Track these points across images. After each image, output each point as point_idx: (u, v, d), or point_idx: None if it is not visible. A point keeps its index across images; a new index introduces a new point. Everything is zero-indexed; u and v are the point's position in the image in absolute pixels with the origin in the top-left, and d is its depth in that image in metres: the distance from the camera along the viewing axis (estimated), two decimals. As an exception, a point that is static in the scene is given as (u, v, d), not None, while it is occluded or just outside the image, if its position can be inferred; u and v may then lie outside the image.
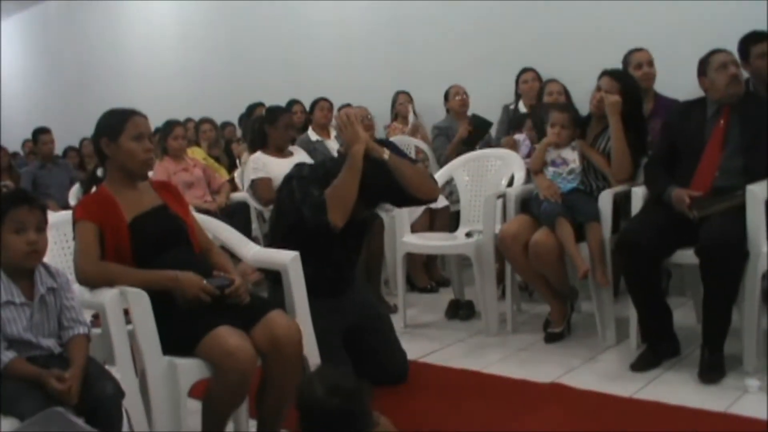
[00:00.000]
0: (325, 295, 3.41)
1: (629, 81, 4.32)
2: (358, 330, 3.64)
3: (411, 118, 6.95)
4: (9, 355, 2.30)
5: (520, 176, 4.84)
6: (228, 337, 2.65)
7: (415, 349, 4.07)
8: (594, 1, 6.20)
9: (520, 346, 4.25)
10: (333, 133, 6.83)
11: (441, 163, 5.96)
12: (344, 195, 3.43)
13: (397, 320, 4.26)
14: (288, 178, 3.62)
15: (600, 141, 4.30)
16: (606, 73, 4.29)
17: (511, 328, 4.52)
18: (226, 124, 8.61)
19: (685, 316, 4.29)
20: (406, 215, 4.87)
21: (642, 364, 3.71)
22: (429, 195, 3.74)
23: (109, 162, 2.98)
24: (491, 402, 3.45)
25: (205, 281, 2.77)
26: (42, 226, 2.46)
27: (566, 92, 5.30)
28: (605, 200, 4.07)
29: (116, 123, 2.92)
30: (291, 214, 3.49)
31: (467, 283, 5.07)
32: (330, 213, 3.39)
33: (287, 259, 3.11)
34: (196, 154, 6.94)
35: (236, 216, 5.63)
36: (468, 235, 4.77)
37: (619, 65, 4.50)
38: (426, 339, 4.46)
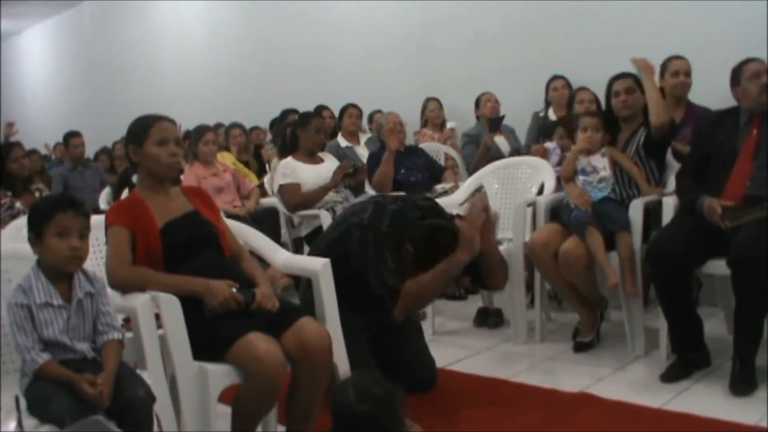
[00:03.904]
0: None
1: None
2: (387, 334, 3.61)
3: (451, 123, 7.01)
4: (44, 357, 2.33)
5: (550, 184, 4.84)
6: (258, 342, 2.66)
7: (443, 356, 4.06)
8: (626, 9, 6.18)
9: (548, 355, 4.25)
10: (363, 139, 6.86)
11: (470, 171, 5.97)
12: (422, 300, 3.40)
13: (425, 327, 4.27)
14: (366, 226, 3.42)
15: (630, 146, 4.30)
16: (619, 76, 4.34)
17: (539, 337, 4.52)
18: (255, 129, 8.65)
19: (716, 326, 4.26)
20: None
21: (672, 375, 3.69)
22: (499, 287, 3.82)
23: (139, 168, 3.03)
24: (519, 411, 3.44)
25: (234, 290, 2.78)
26: (85, 232, 2.48)
27: (597, 100, 5.29)
28: (636, 209, 4.06)
29: (141, 129, 2.96)
30: (353, 262, 3.35)
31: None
32: (398, 306, 3.31)
33: (318, 265, 3.11)
34: (226, 159, 6.96)
35: (265, 221, 5.65)
36: (497, 242, 4.74)
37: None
38: (454, 346, 4.46)
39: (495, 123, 6.14)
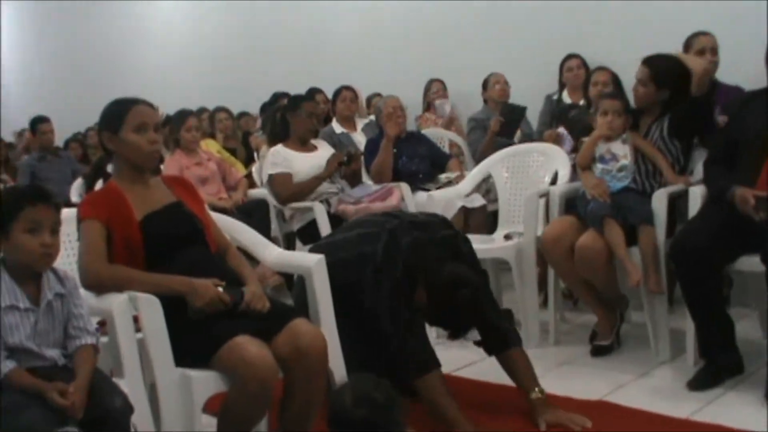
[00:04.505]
0: None
1: (662, 65, 4.20)
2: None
3: (446, 108, 6.96)
4: (9, 365, 2.29)
5: (564, 173, 4.84)
6: (247, 346, 2.65)
7: (448, 361, 3.93)
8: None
9: (563, 360, 4.24)
10: (360, 125, 6.83)
11: (477, 159, 5.95)
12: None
13: (429, 330, 4.21)
14: (379, 265, 3.22)
15: (653, 132, 4.26)
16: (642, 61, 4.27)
17: (553, 340, 4.50)
18: (243, 114, 8.61)
19: (749, 329, 4.24)
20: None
21: (700, 382, 3.66)
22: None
23: (115, 156, 3.01)
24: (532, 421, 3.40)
25: (221, 289, 2.77)
26: (57, 227, 2.45)
27: (616, 81, 5.26)
28: (660, 200, 4.02)
29: (116, 115, 2.95)
30: (365, 298, 3.22)
31: (505, 289, 5.07)
32: (409, 379, 3.19)
33: (312, 262, 3.09)
34: (211, 146, 6.99)
35: (254, 215, 5.65)
36: (507, 237, 4.76)
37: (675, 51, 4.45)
38: (460, 350, 4.36)
39: (515, 115, 6.07)
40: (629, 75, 4.49)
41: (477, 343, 3.51)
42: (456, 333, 3.36)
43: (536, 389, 3.40)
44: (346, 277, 3.19)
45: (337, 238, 3.56)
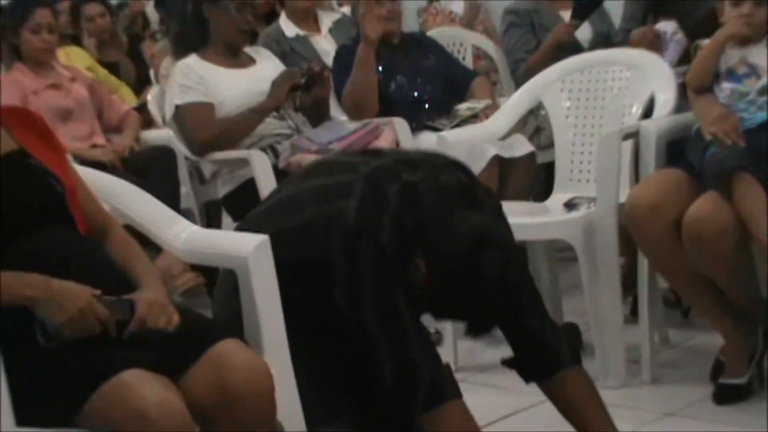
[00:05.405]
0: None
1: None
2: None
3: None
4: None
5: (666, 98, 4.81)
6: (139, 388, 2.59)
7: (479, 408, 3.89)
8: None
9: (666, 408, 4.23)
10: (326, 23, 6.80)
11: (519, 77, 5.92)
12: None
13: (443, 356, 4.16)
14: (355, 231, 3.14)
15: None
16: None
17: (650, 375, 4.51)
18: (125, 4, 8.57)
19: None
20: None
21: None
22: None
23: None
24: None
25: (97, 297, 2.72)
26: None
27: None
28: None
29: None
30: (335, 289, 3.14)
31: (568, 291, 5.10)
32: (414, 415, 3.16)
33: (248, 247, 3.05)
34: (77, 59, 7.01)
35: (153, 172, 5.69)
36: (569, 205, 4.81)
37: None
38: (494, 392, 4.46)
39: (586, 7, 6.06)
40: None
41: (507, 363, 3.46)
42: (477, 325, 3.32)
43: None
44: (298, 254, 3.14)
45: (281, 197, 3.51)
